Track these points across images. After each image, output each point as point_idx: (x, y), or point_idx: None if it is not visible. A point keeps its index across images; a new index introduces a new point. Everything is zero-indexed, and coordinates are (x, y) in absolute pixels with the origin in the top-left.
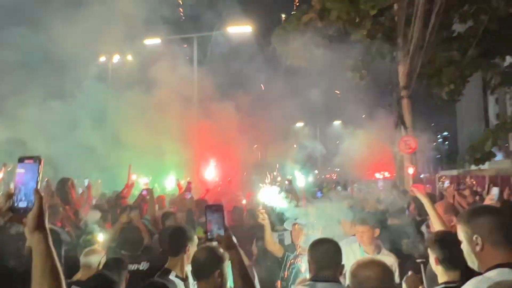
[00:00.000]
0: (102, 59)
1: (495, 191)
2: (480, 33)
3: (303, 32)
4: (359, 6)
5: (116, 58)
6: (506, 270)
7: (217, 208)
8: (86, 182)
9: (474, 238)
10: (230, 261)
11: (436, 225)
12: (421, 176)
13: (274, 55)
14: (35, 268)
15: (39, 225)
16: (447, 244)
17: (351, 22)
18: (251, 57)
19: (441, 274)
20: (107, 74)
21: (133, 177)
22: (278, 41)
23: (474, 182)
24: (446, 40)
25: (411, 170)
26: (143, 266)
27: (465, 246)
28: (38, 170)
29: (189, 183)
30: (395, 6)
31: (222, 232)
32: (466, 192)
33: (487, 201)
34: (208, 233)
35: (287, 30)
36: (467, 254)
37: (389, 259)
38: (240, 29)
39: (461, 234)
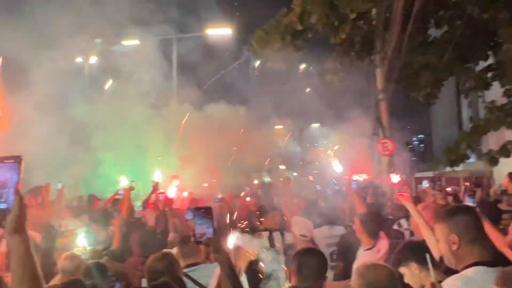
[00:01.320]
0: (79, 60)
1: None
2: (455, 38)
3: (283, 35)
4: (338, 10)
5: (92, 59)
6: (482, 268)
7: (206, 211)
8: (59, 185)
9: (450, 237)
10: (219, 264)
11: (424, 233)
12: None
13: (253, 58)
14: (14, 272)
15: (19, 228)
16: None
17: (331, 26)
18: (230, 60)
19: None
20: (83, 74)
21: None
22: (257, 44)
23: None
24: (422, 45)
25: (395, 179)
26: None
27: (442, 245)
28: (19, 170)
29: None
30: (374, 11)
31: (211, 235)
32: (440, 195)
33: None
34: (197, 236)
35: (266, 33)
36: (445, 253)
37: None
38: (220, 31)
39: (438, 233)
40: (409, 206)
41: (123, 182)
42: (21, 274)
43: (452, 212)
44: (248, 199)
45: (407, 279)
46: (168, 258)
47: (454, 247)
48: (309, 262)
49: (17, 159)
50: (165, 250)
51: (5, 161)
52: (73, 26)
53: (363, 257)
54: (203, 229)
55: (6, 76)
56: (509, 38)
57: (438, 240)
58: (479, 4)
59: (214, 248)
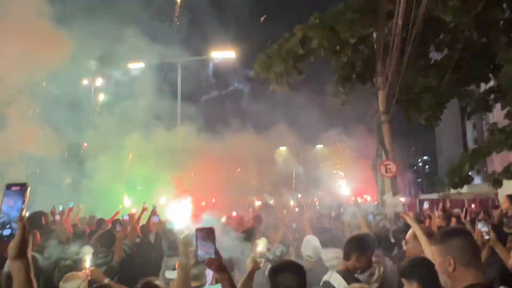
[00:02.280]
0: (85, 82)
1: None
2: (455, 61)
3: (285, 59)
4: (339, 35)
5: (98, 81)
6: None
7: (208, 231)
8: (60, 207)
9: (446, 259)
10: (221, 284)
11: (428, 253)
12: (402, 199)
13: (257, 80)
14: None
15: (21, 254)
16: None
17: (332, 50)
18: (234, 83)
19: None
20: (89, 97)
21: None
22: (260, 68)
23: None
24: (424, 68)
25: (402, 199)
26: None
27: (438, 267)
28: (24, 197)
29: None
30: (374, 35)
31: (213, 255)
32: (439, 216)
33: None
34: (199, 256)
35: (269, 57)
36: (440, 274)
37: None
38: (224, 54)
39: (435, 255)
40: (414, 226)
41: (126, 203)
42: None
43: (448, 234)
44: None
45: None
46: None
47: (450, 269)
48: (290, 277)
49: (23, 187)
50: (147, 279)
51: (12, 188)
52: (78, 49)
53: None
54: (205, 249)
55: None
56: (507, 61)
57: (435, 262)
58: (478, 28)
59: (216, 268)
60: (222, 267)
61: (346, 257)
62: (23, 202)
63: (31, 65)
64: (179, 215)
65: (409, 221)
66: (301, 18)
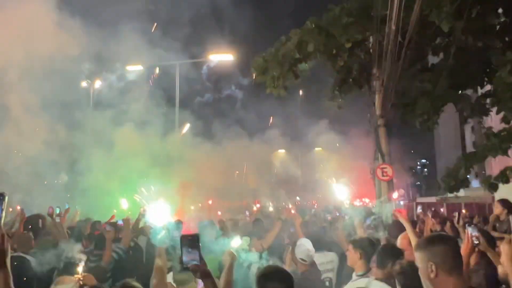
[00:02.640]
0: (84, 84)
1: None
2: (450, 66)
3: (282, 63)
4: (335, 39)
5: (98, 83)
6: None
7: (193, 238)
8: (57, 210)
9: (429, 265)
10: None
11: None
12: (401, 203)
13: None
14: None
15: (0, 264)
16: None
17: (328, 54)
18: (231, 86)
19: None
20: (88, 99)
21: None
22: (257, 71)
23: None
24: (419, 72)
25: (395, 195)
26: None
27: (420, 272)
28: (2, 207)
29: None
30: (371, 39)
31: (197, 262)
32: (428, 221)
33: None
34: (184, 263)
35: (265, 60)
36: (423, 280)
37: None
38: (222, 57)
39: (418, 261)
40: (406, 224)
41: (124, 205)
42: None
43: (431, 240)
44: None
45: None
46: None
47: (432, 275)
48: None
49: (0, 196)
50: (125, 281)
51: None
52: (76, 51)
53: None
54: (191, 256)
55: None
56: (501, 65)
57: (419, 267)
58: (473, 33)
59: (200, 274)
60: (206, 273)
61: (382, 264)
62: (1, 211)
63: (26, 63)
64: (159, 216)
65: (401, 219)
66: (298, 21)
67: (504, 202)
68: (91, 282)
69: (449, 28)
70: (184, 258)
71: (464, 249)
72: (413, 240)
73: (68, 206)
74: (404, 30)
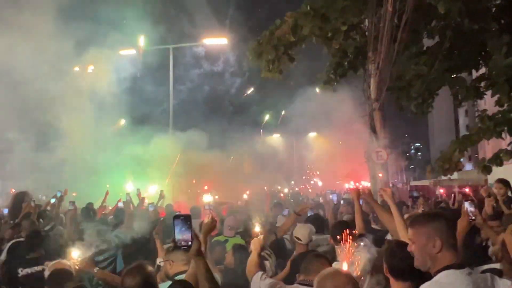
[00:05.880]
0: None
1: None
2: (445, 48)
3: (277, 46)
4: (331, 22)
5: (90, 68)
6: (451, 271)
7: (185, 218)
8: (58, 193)
9: (433, 240)
10: (197, 266)
11: (400, 231)
12: (390, 185)
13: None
14: None
15: None
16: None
17: (324, 37)
18: (226, 69)
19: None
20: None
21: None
22: (252, 55)
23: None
24: (415, 55)
25: (383, 177)
26: None
27: (419, 248)
28: None
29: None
30: (366, 22)
31: (189, 242)
32: (420, 201)
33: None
34: (177, 242)
35: (260, 44)
36: (420, 256)
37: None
38: (216, 41)
39: (415, 236)
40: (389, 201)
41: (129, 187)
42: None
43: (431, 216)
44: None
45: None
46: (142, 271)
47: (435, 251)
48: None
49: None
50: (138, 262)
51: None
52: (68, 35)
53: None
54: (183, 236)
55: None
56: (497, 48)
57: (413, 243)
58: (469, 16)
59: (193, 252)
60: (198, 252)
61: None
62: None
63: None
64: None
65: (386, 197)
66: (294, 4)
67: (505, 181)
68: (90, 267)
69: (445, 9)
70: (177, 238)
71: (460, 224)
72: (397, 220)
73: (60, 194)
74: (400, 12)
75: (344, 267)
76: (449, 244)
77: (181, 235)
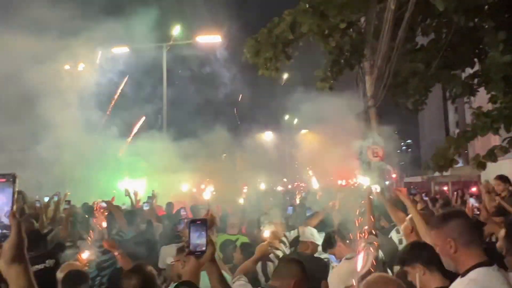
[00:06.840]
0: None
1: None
2: (442, 46)
3: (274, 44)
4: (328, 20)
5: (81, 66)
6: (484, 269)
7: (202, 222)
8: (56, 198)
9: (448, 241)
10: (209, 273)
11: (421, 229)
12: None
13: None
14: None
15: (18, 256)
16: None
17: (321, 35)
18: (219, 66)
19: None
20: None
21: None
22: (249, 52)
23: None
24: (410, 52)
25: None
26: None
27: (440, 250)
28: (13, 190)
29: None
30: (362, 20)
31: (204, 247)
32: (417, 198)
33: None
34: (191, 247)
35: (258, 41)
36: (443, 258)
37: None
38: (210, 38)
39: (434, 239)
40: (406, 201)
41: (126, 184)
42: None
43: (445, 217)
44: None
45: (410, 277)
46: (142, 271)
47: (452, 251)
48: None
49: (11, 177)
50: (138, 263)
51: None
52: (63, 33)
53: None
54: (198, 240)
55: None
56: (493, 45)
57: (436, 246)
58: (466, 13)
59: (207, 258)
60: (213, 258)
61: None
62: (13, 195)
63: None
64: None
65: (402, 197)
66: (287, 4)
67: (504, 178)
68: (113, 247)
69: (443, 7)
70: (192, 243)
71: None
72: (416, 219)
73: (57, 198)
74: (402, 10)
75: (359, 262)
76: (467, 242)
77: (198, 240)
